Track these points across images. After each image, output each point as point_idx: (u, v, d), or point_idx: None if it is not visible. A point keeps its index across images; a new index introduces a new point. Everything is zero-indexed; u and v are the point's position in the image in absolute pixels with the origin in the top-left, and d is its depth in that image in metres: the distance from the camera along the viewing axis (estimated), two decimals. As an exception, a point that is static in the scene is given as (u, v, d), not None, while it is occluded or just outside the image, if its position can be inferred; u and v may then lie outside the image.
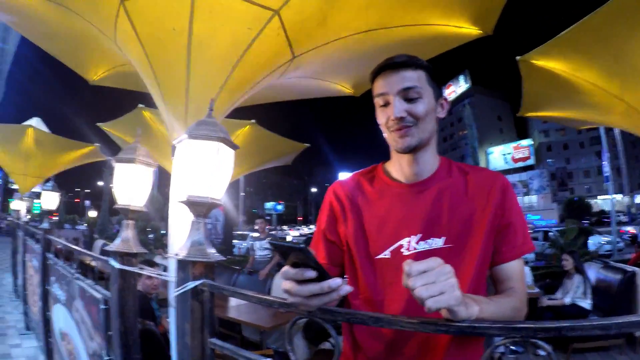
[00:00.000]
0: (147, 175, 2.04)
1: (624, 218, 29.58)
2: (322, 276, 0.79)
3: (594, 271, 5.34)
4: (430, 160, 1.17)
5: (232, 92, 2.42)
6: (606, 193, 57.90)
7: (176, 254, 1.32)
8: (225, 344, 1.23)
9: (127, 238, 2.02)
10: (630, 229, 19.37)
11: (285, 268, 0.81)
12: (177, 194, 1.37)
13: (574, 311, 4.69)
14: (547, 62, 4.00)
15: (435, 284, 0.75)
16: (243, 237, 21.22)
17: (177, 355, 1.38)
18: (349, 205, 1.21)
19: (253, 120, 5.56)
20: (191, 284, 1.28)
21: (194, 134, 1.33)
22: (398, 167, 1.19)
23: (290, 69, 2.77)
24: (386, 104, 1.11)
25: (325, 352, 3.32)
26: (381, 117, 1.13)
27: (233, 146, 1.41)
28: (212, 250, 1.34)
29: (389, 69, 1.10)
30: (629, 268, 4.90)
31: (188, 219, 1.39)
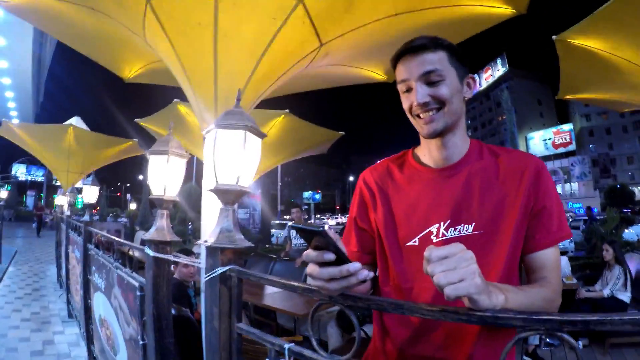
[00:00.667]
0: (179, 166, 2.10)
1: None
2: (342, 260, 0.80)
3: (635, 263, 5.10)
4: (459, 143, 1.14)
5: (260, 82, 2.44)
6: (653, 180, 55.20)
7: (205, 241, 1.36)
8: (251, 329, 1.27)
9: (161, 227, 2.09)
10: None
11: (308, 251, 0.83)
12: (208, 183, 1.41)
13: (612, 304, 4.51)
14: (585, 40, 3.82)
15: (455, 270, 0.73)
16: (281, 227, 21.42)
17: (205, 339, 1.44)
18: (379, 192, 1.20)
19: (287, 110, 5.59)
20: (219, 270, 1.32)
21: (221, 123, 1.36)
22: (427, 152, 1.17)
23: (319, 57, 2.76)
24: (409, 90, 1.09)
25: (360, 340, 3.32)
26: (405, 103, 1.11)
27: (260, 134, 1.43)
28: (241, 237, 1.37)
29: (408, 53, 1.07)
30: (675, 260, 4.66)
31: (218, 207, 1.43)
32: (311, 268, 0.84)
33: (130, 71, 4.22)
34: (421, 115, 1.07)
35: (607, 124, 66.05)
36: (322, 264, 0.82)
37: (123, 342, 2.63)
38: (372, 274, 0.84)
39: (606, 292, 4.61)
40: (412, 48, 1.06)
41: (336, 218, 57.79)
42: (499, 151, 1.16)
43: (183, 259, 2.09)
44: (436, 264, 0.74)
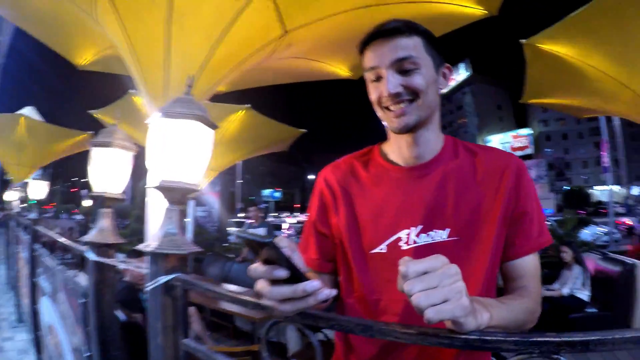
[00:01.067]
0: (125, 160, 1.90)
1: (620, 209, 29.58)
2: (297, 277, 0.66)
3: (592, 262, 5.23)
4: (433, 140, 1.01)
5: (217, 69, 2.24)
6: (603, 184, 58.43)
7: (147, 246, 1.18)
8: (198, 346, 1.11)
9: (103, 228, 1.89)
10: (627, 221, 19.27)
11: (255, 265, 0.68)
12: (152, 179, 1.23)
13: (572, 302, 4.61)
14: (554, 46, 3.85)
15: (437, 289, 0.61)
16: (240, 225, 21.14)
17: (149, 357, 1.26)
18: (341, 192, 1.06)
19: (248, 105, 5.39)
20: (162, 279, 1.15)
21: (168, 111, 1.19)
22: (396, 149, 1.03)
23: (282, 47, 2.61)
24: (378, 79, 0.95)
25: (319, 343, 3.20)
26: (373, 93, 0.97)
27: (212, 125, 1.26)
28: (187, 242, 1.20)
29: (379, 37, 0.94)
30: (629, 260, 4.78)
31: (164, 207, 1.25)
32: (261, 285, 0.69)
33: (83, 57, 3.97)
34: (391, 108, 0.94)
35: (564, 130, 69.79)
36: (274, 280, 0.67)
37: (70, 352, 2.40)
38: (334, 292, 0.70)
39: (565, 291, 4.70)
40: (385, 31, 0.93)
41: (296, 216, 57.85)
42: (476, 149, 1.04)
43: (125, 264, 1.88)
44: (414, 281, 0.61)
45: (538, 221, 0.98)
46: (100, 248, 1.86)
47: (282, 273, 0.65)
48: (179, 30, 2.08)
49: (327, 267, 1.09)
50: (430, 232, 0.95)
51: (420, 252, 0.93)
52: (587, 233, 11.88)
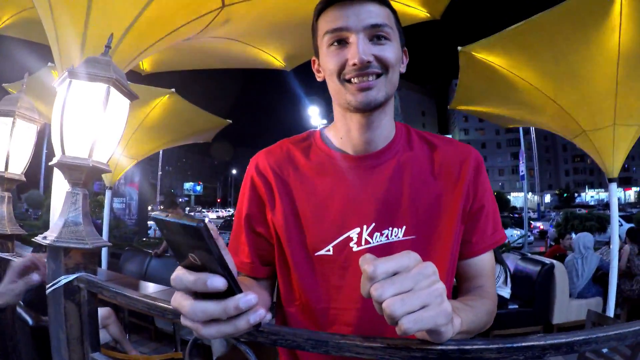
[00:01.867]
0: (29, 134, 1.61)
1: (533, 215, 32.21)
2: (229, 288, 0.48)
3: (512, 262, 5.54)
4: (388, 126, 0.89)
5: (144, 34, 1.96)
6: (518, 190, 63.59)
7: (44, 237, 0.96)
8: (106, 361, 0.91)
9: (0, 215, 1.58)
10: (540, 225, 20.98)
11: (180, 271, 0.50)
12: (55, 155, 1.00)
13: (494, 299, 4.84)
14: (488, 55, 3.99)
15: (414, 292, 0.49)
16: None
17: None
18: (277, 183, 0.89)
19: (172, 90, 4.99)
20: (63, 279, 0.93)
21: (77, 72, 0.96)
22: (344, 133, 0.89)
23: (218, 22, 2.39)
24: (341, 42, 0.80)
25: (248, 347, 3.03)
26: (332, 61, 0.81)
27: (130, 95, 1.04)
28: (93, 233, 0.98)
29: None
30: (547, 260, 5.15)
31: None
32: (179, 299, 0.51)
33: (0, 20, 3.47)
34: (355, 80, 0.79)
35: (483, 139, 75.95)
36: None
37: None
38: (269, 317, 0.54)
39: (488, 289, 4.91)
40: None
41: (217, 211, 56.74)
42: (431, 139, 0.93)
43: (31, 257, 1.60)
44: (384, 284, 0.49)
45: (494, 218, 0.91)
46: (-5, 240, 1.56)
47: (220, 283, 0.47)
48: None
49: (263, 271, 0.92)
50: (385, 231, 0.83)
51: (374, 253, 0.79)
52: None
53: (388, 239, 0.83)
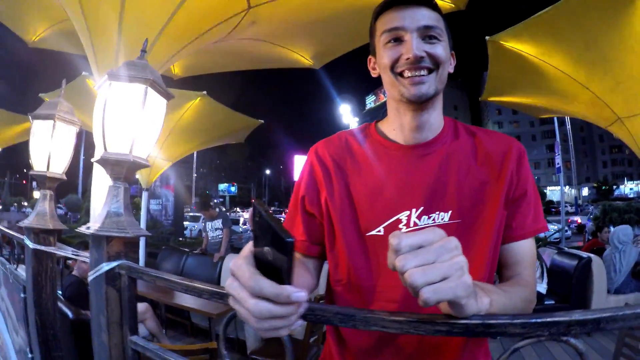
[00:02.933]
0: (69, 136, 1.71)
1: (570, 209, 31.18)
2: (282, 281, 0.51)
3: (548, 256, 5.42)
4: (437, 119, 0.96)
5: (175, 37, 2.06)
6: (555, 184, 61.66)
7: (87, 227, 1.03)
8: (148, 345, 0.97)
9: (43, 212, 1.69)
10: (577, 219, 20.31)
11: (250, 268, 0.53)
12: (97, 152, 1.07)
13: (530, 294, 4.73)
14: (517, 44, 3.91)
15: (435, 264, 0.51)
16: (195, 219, 20.63)
17: (95, 356, 1.11)
18: (335, 169, 0.97)
19: (204, 92, 5.11)
20: (105, 266, 0.99)
21: (116, 74, 1.03)
22: (397, 125, 0.96)
23: (245, 24, 2.46)
24: (397, 40, 0.89)
25: (277, 340, 3.08)
26: (387, 56, 0.89)
27: (166, 94, 1.11)
28: (133, 223, 1.05)
29: (404, 2, 0.89)
30: (585, 254, 4.98)
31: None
32: (241, 294, 0.54)
33: (34, 33, 3.69)
34: (407, 74, 0.87)
35: (517, 132, 73.65)
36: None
37: (14, 354, 2.17)
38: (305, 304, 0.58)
39: (523, 284, 4.81)
40: None
41: None
42: (476, 131, 1.00)
43: (65, 251, 1.70)
44: (408, 256, 0.52)
45: (535, 206, 0.94)
46: (39, 234, 1.66)
47: (301, 298, 0.51)
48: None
49: (315, 250, 0.99)
50: (432, 214, 0.89)
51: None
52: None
53: (435, 222, 0.89)
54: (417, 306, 0.53)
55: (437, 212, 0.89)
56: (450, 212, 0.89)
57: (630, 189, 64.78)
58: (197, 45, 2.21)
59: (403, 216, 0.90)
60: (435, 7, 0.91)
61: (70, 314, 2.67)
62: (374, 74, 0.99)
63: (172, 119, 4.98)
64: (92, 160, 1.09)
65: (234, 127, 6.20)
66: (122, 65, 1.07)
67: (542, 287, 4.76)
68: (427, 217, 0.89)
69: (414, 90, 0.87)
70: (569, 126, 21.17)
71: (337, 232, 0.94)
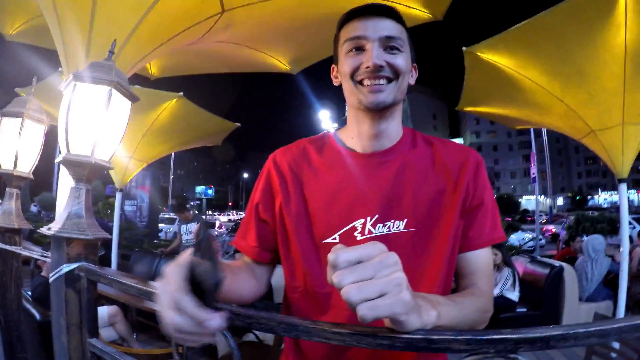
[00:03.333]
0: (37, 134, 1.68)
1: (545, 218, 31.81)
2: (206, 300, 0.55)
3: (521, 265, 5.51)
4: (395, 128, 0.98)
5: (146, 40, 2.04)
6: (530, 193, 62.92)
7: (48, 228, 1.01)
8: (107, 348, 0.96)
9: (9, 210, 1.66)
10: (551, 228, 20.73)
11: (177, 275, 0.55)
12: (61, 153, 1.06)
13: (503, 302, 4.80)
14: (494, 55, 3.97)
15: (372, 281, 0.52)
16: (171, 221, 20.36)
17: (55, 358, 1.09)
18: (291, 176, 0.98)
19: (181, 93, 5.05)
20: (64, 268, 0.98)
21: (81, 75, 1.02)
22: (356, 133, 0.98)
23: (219, 27, 2.44)
24: (359, 49, 0.91)
25: (250, 344, 3.08)
26: (348, 64, 0.91)
27: (130, 96, 1.11)
28: (94, 225, 1.04)
29: (369, 13, 0.92)
30: (557, 263, 5.09)
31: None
32: (165, 303, 0.56)
33: (12, 26, 3.61)
34: (367, 82, 0.89)
35: (494, 142, 75.21)
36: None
37: None
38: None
39: (496, 292, 4.88)
40: (376, 8, 0.92)
41: (228, 215, 57.18)
42: (434, 141, 1.01)
43: (29, 252, 1.66)
44: (345, 272, 0.52)
45: (492, 216, 0.96)
46: (5, 233, 1.63)
47: (217, 322, 0.54)
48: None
49: (266, 256, 1.00)
50: (388, 222, 0.90)
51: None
52: (513, 238, 12.70)
53: (390, 230, 0.90)
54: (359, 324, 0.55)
55: (393, 221, 0.90)
56: (405, 220, 0.90)
57: (604, 199, 66.61)
58: (169, 46, 2.19)
59: (358, 224, 0.91)
60: (398, 19, 0.93)
61: (37, 315, 2.61)
62: (335, 82, 1.00)
63: (147, 119, 4.91)
64: (56, 160, 1.08)
65: (211, 129, 6.15)
66: (88, 66, 1.07)
67: (515, 295, 4.85)
68: (382, 225, 0.90)
69: (372, 98, 0.88)
70: (545, 137, 21.64)
71: (292, 239, 0.95)
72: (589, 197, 61.62)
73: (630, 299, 4.95)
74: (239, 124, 6.04)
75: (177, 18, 2.11)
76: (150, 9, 1.89)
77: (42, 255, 1.52)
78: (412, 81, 0.98)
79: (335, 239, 0.91)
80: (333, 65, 1.01)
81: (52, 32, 1.96)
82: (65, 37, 1.88)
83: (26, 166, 1.68)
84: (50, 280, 1.05)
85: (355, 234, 0.91)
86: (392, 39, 0.90)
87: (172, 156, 31.03)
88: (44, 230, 1.03)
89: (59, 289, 1.01)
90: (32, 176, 1.72)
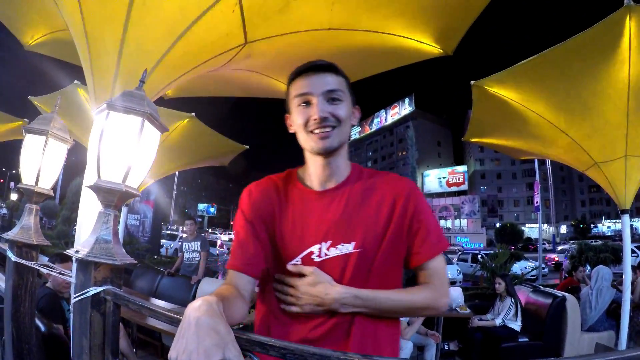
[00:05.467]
0: (60, 152, 1.74)
1: (548, 246, 31.57)
2: None
3: (523, 294, 5.49)
4: (343, 166, 1.18)
5: (172, 68, 2.13)
6: (533, 222, 62.50)
7: (76, 251, 1.05)
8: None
9: (28, 226, 1.70)
10: (555, 256, 20.59)
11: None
12: (89, 177, 1.11)
13: (504, 332, 4.78)
14: (500, 89, 4.05)
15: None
16: (172, 237, 20.33)
17: (73, 379, 1.11)
18: (265, 207, 1.18)
19: (193, 114, 5.19)
20: (91, 290, 1.02)
21: (116, 104, 1.08)
22: (312, 172, 1.18)
23: (240, 57, 2.55)
24: (307, 103, 1.10)
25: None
26: (299, 117, 1.11)
27: (161, 127, 1.17)
28: (122, 251, 1.08)
29: (312, 71, 1.11)
30: (559, 293, 5.07)
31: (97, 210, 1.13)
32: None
33: (32, 37, 3.72)
34: (316, 131, 1.09)
35: (498, 170, 75.01)
36: None
37: None
38: None
39: (498, 322, 4.87)
40: (319, 66, 1.11)
41: (229, 234, 57.30)
42: (375, 174, 1.22)
43: (47, 269, 1.69)
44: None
45: (435, 231, 1.15)
46: (22, 248, 1.66)
47: None
48: (139, 20, 1.94)
49: (255, 272, 1.13)
50: (339, 246, 1.10)
51: (330, 262, 1.09)
52: (516, 267, 12.60)
53: (341, 252, 1.10)
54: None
55: (343, 244, 1.10)
56: (353, 243, 1.10)
57: (608, 227, 66.12)
58: (193, 74, 2.28)
59: (315, 248, 1.11)
60: (338, 72, 1.13)
61: (42, 327, 2.61)
62: (290, 130, 1.19)
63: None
64: (85, 185, 1.13)
65: (220, 150, 6.26)
66: (120, 95, 1.13)
67: (517, 325, 4.83)
68: (334, 248, 1.10)
69: (321, 144, 1.09)
70: (549, 165, 21.77)
71: (268, 262, 1.15)
72: (592, 225, 61.28)
73: (633, 329, 4.92)
74: (247, 147, 6.13)
75: (203, 47, 2.21)
76: (179, 40, 1.99)
77: (61, 274, 1.55)
78: (355, 122, 1.19)
79: (298, 261, 1.11)
80: (287, 115, 1.19)
81: (80, 54, 2.05)
82: (94, 61, 1.96)
83: (47, 183, 1.73)
84: (73, 301, 1.08)
85: (313, 256, 1.10)
86: (333, 91, 1.10)
87: (177, 173, 31.21)
88: (71, 252, 1.07)
89: (84, 310, 1.04)
90: (52, 193, 1.77)
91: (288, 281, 1.08)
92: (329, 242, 1.10)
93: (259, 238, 1.14)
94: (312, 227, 1.12)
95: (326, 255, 1.10)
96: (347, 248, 1.09)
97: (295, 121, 1.13)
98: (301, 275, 1.09)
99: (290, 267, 1.08)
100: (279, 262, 1.14)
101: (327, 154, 1.11)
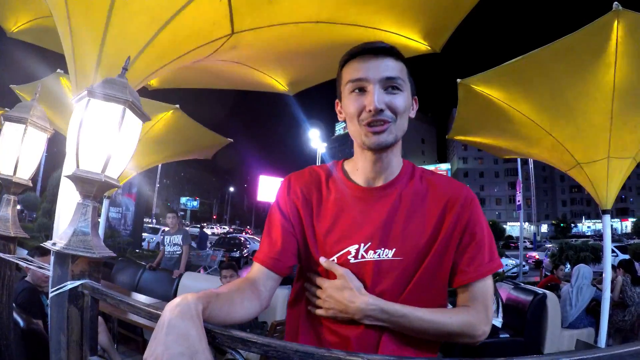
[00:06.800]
0: (39, 141, 1.68)
1: (529, 245, 32.10)
2: None
3: (504, 291, 5.56)
4: (395, 163, 1.05)
5: (156, 56, 2.07)
6: (515, 220, 63.54)
7: (53, 244, 1.02)
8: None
9: (5, 217, 1.65)
10: (535, 255, 20.93)
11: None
12: (68, 166, 1.07)
13: (485, 328, 4.84)
14: (486, 88, 4.08)
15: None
16: (154, 231, 20.05)
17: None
18: (303, 201, 1.07)
19: (177, 105, 5.10)
20: (69, 284, 0.98)
21: (96, 92, 1.04)
22: (360, 167, 1.06)
23: (227, 48, 2.50)
24: (361, 90, 0.97)
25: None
26: (352, 105, 0.97)
27: (143, 116, 1.13)
28: (100, 244, 1.05)
29: (370, 53, 0.96)
30: (540, 290, 5.16)
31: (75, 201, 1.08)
32: None
33: (15, 23, 3.63)
34: (370, 125, 0.96)
35: (481, 168, 76.12)
36: None
37: None
38: None
39: (480, 318, 4.92)
40: (377, 49, 0.96)
41: (212, 227, 56.75)
42: (430, 176, 1.09)
43: (25, 262, 1.64)
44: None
45: (488, 248, 1.01)
46: None
47: None
48: (123, 6, 1.87)
49: (282, 269, 1.05)
50: (378, 250, 0.98)
51: (365, 266, 0.98)
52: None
53: (379, 256, 0.98)
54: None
55: (383, 249, 0.98)
56: (394, 249, 0.98)
57: (588, 227, 67.63)
58: (178, 63, 2.22)
59: (352, 249, 1.00)
60: (398, 56, 0.98)
61: (21, 322, 2.55)
62: (340, 118, 1.07)
63: (142, 129, 4.92)
64: (63, 175, 1.09)
65: (204, 143, 6.18)
66: (102, 82, 1.08)
67: (498, 321, 4.89)
68: (373, 251, 0.98)
69: (374, 140, 0.96)
70: (531, 165, 22.10)
71: (302, 258, 1.06)
72: (572, 224, 62.50)
73: (612, 326, 5.03)
74: (231, 140, 6.07)
75: (188, 37, 2.15)
76: (164, 27, 1.93)
77: (41, 268, 1.51)
78: (413, 114, 1.05)
79: (333, 260, 1.01)
80: (337, 101, 1.07)
81: (62, 40, 1.98)
82: (77, 46, 1.91)
83: (26, 173, 1.68)
84: (51, 295, 1.04)
85: (349, 257, 1.00)
86: (393, 79, 0.95)
87: (160, 165, 30.91)
88: (48, 244, 1.03)
89: (61, 305, 1.00)
90: (30, 183, 1.71)
91: (316, 281, 1.01)
92: (369, 244, 0.99)
93: (291, 233, 1.06)
94: (352, 225, 1.01)
95: (363, 257, 0.99)
96: (387, 254, 0.98)
97: (347, 109, 0.99)
98: (331, 274, 1.00)
99: (322, 261, 0.98)
100: (313, 260, 1.04)
101: (380, 150, 0.99)
